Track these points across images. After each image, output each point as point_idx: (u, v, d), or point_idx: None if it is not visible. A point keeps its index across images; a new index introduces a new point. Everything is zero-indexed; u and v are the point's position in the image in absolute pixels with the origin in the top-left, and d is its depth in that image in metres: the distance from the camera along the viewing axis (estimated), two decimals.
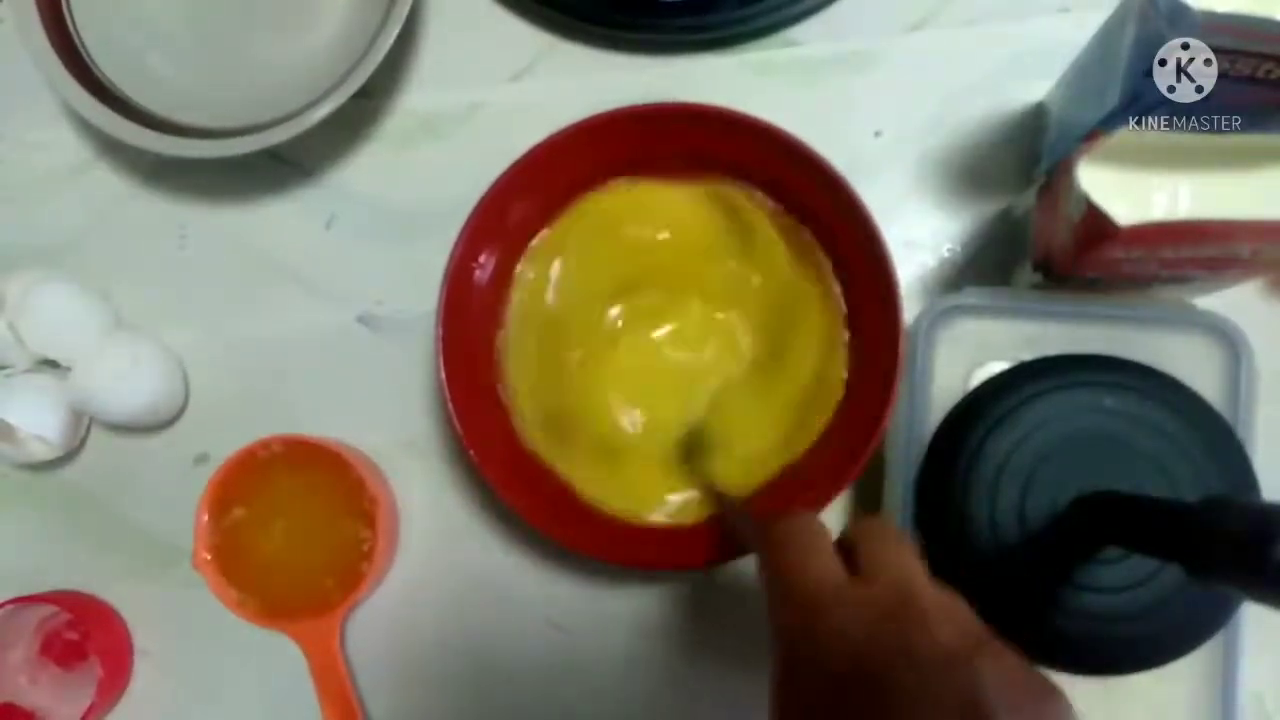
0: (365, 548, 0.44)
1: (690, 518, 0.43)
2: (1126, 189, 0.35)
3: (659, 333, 0.45)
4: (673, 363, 0.45)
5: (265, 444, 0.44)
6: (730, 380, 0.45)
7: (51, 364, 0.46)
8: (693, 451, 0.43)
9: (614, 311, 0.45)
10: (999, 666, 0.26)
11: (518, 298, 0.45)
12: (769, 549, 0.32)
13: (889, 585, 0.29)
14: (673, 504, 0.43)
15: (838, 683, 0.27)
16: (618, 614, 0.46)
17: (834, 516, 0.42)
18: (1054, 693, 0.26)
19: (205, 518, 0.43)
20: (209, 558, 0.43)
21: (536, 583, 0.46)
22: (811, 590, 0.30)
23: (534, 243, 0.45)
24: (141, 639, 0.47)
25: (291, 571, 0.44)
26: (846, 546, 0.31)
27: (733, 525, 0.41)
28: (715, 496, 0.42)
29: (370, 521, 0.43)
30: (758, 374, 0.45)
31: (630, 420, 0.44)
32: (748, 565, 0.46)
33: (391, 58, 0.45)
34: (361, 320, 0.48)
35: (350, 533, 0.44)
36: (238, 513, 0.44)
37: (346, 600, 0.44)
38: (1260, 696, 0.44)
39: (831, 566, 0.30)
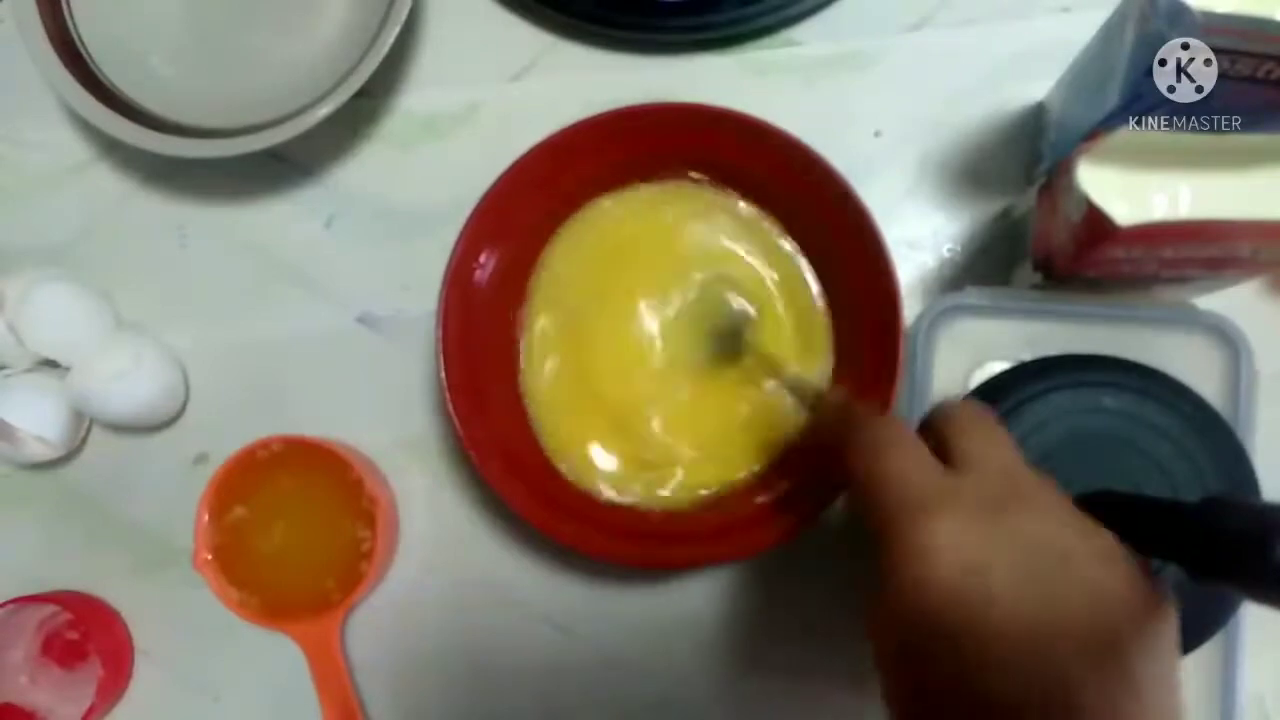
0: (365, 548, 0.44)
1: (699, 490, 0.43)
2: (1126, 189, 0.35)
3: (658, 333, 0.45)
4: (673, 359, 0.45)
5: (265, 444, 0.44)
6: (731, 380, 0.45)
7: (51, 364, 0.46)
8: (735, 336, 0.43)
9: (614, 310, 0.45)
10: (1123, 564, 0.26)
11: (533, 289, 0.45)
12: (861, 455, 0.30)
13: (991, 475, 0.28)
14: (681, 479, 0.44)
15: (953, 591, 0.26)
16: (618, 614, 0.46)
17: (834, 516, 0.41)
18: (1164, 603, 0.26)
19: (205, 518, 0.43)
20: (209, 558, 0.43)
21: (536, 583, 0.46)
22: (915, 491, 0.28)
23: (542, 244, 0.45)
24: (141, 639, 0.47)
25: (291, 571, 0.44)
26: (936, 437, 0.30)
27: (816, 424, 0.39)
28: (793, 386, 0.41)
29: (370, 521, 0.43)
30: (758, 375, 0.44)
31: (639, 409, 0.45)
32: (749, 565, 0.46)
33: (391, 58, 0.45)
34: (361, 320, 0.48)
35: (350, 533, 0.44)
36: (238, 512, 0.44)
37: (346, 600, 0.44)
38: (1260, 696, 0.44)
39: (931, 463, 0.29)
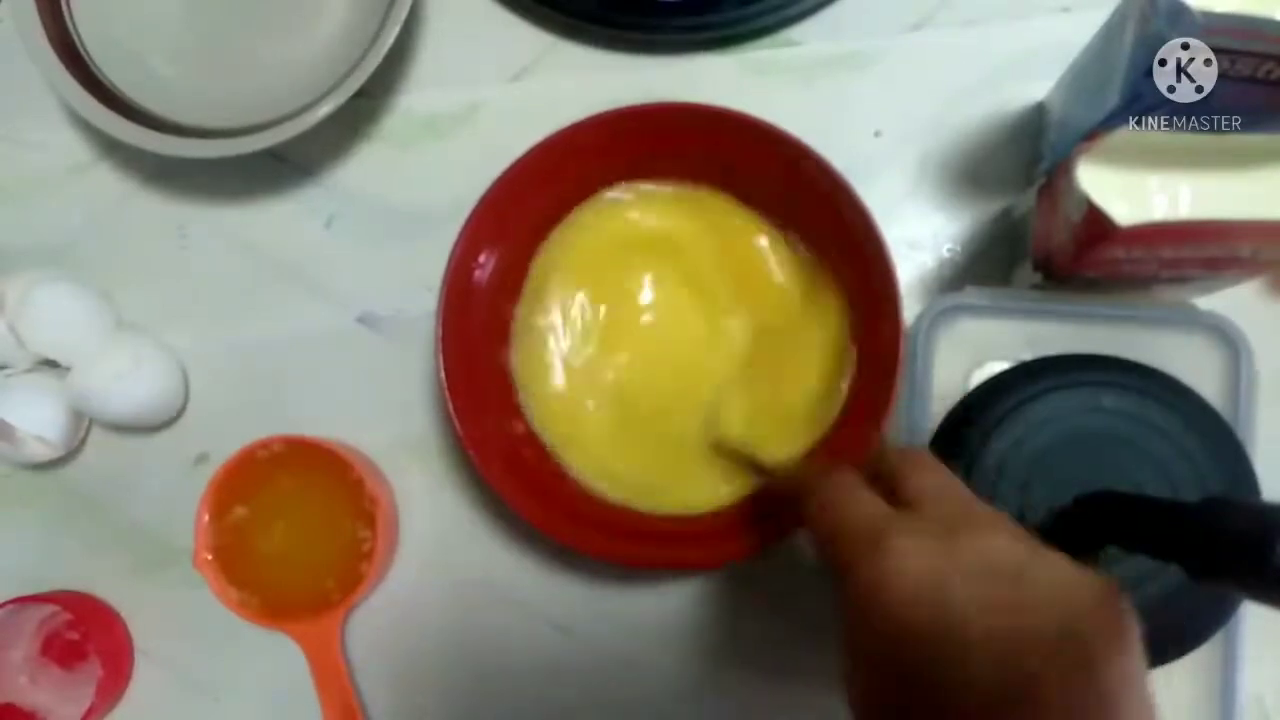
0: (365, 548, 0.44)
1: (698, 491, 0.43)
2: (1126, 189, 0.35)
3: (659, 330, 0.45)
4: (675, 362, 0.45)
5: (265, 444, 0.44)
6: (731, 380, 0.45)
7: (51, 364, 0.46)
8: (714, 425, 0.43)
9: (615, 307, 0.45)
10: (1079, 573, 0.26)
11: (529, 291, 0.45)
12: (815, 498, 0.32)
13: (941, 508, 0.29)
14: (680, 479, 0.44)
15: (914, 599, 0.26)
16: (619, 614, 0.46)
17: None
18: (1125, 611, 0.26)
19: (205, 518, 0.43)
20: (210, 558, 0.43)
21: (536, 583, 0.46)
22: (864, 525, 0.29)
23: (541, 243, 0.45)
24: (141, 639, 0.47)
25: (292, 571, 0.44)
26: (887, 483, 0.31)
27: (775, 487, 0.40)
28: (750, 464, 0.41)
29: (370, 521, 0.43)
30: (759, 375, 0.44)
31: (639, 411, 0.45)
32: (752, 564, 0.46)
33: (391, 58, 0.45)
34: (361, 320, 0.48)
35: (350, 533, 0.44)
36: (238, 512, 0.44)
37: (347, 600, 0.44)
38: (1260, 697, 0.44)
39: (878, 503, 0.30)
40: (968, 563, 0.27)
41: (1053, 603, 0.26)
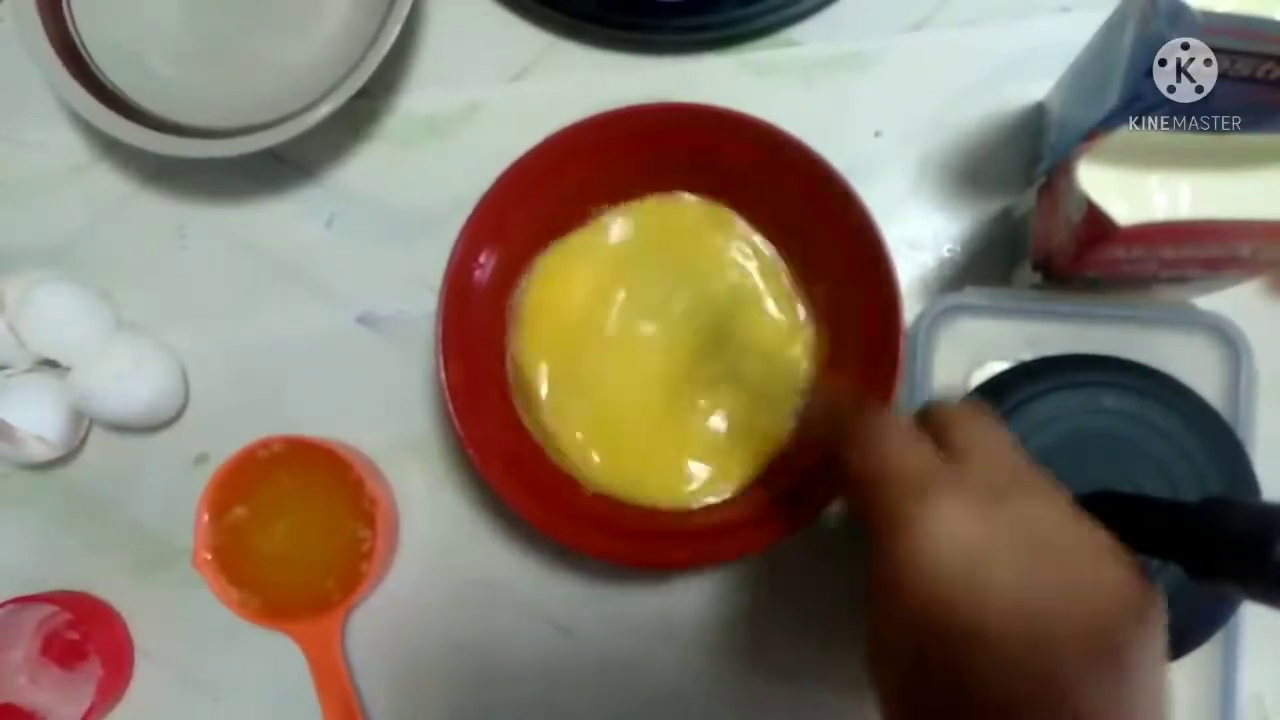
0: (365, 547, 0.44)
1: (697, 491, 0.44)
2: (1126, 189, 0.35)
3: (657, 333, 0.45)
4: (675, 359, 0.45)
5: (265, 444, 0.44)
6: (731, 379, 0.45)
7: (51, 364, 0.46)
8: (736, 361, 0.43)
9: (615, 305, 0.45)
10: (1118, 557, 0.26)
11: (529, 292, 0.45)
12: (857, 441, 0.29)
13: (989, 464, 0.28)
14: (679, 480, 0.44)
15: (951, 577, 0.25)
16: (619, 614, 0.46)
17: (832, 516, 0.41)
18: (1154, 596, 0.26)
19: (205, 518, 0.43)
20: (209, 558, 0.43)
21: (537, 583, 0.46)
22: (914, 476, 0.27)
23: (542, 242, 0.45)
24: (141, 639, 0.47)
25: (292, 571, 0.44)
26: (933, 429, 0.30)
27: (810, 423, 0.39)
28: (781, 400, 0.41)
29: (370, 521, 0.43)
30: (759, 374, 0.44)
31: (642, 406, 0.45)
32: (748, 565, 0.46)
33: (391, 58, 0.45)
34: (361, 320, 0.48)
35: (350, 533, 0.44)
36: (238, 513, 0.44)
37: (347, 600, 0.44)
38: (1260, 696, 0.44)
39: (930, 449, 0.28)
40: (1012, 536, 0.25)
41: (1088, 594, 0.25)
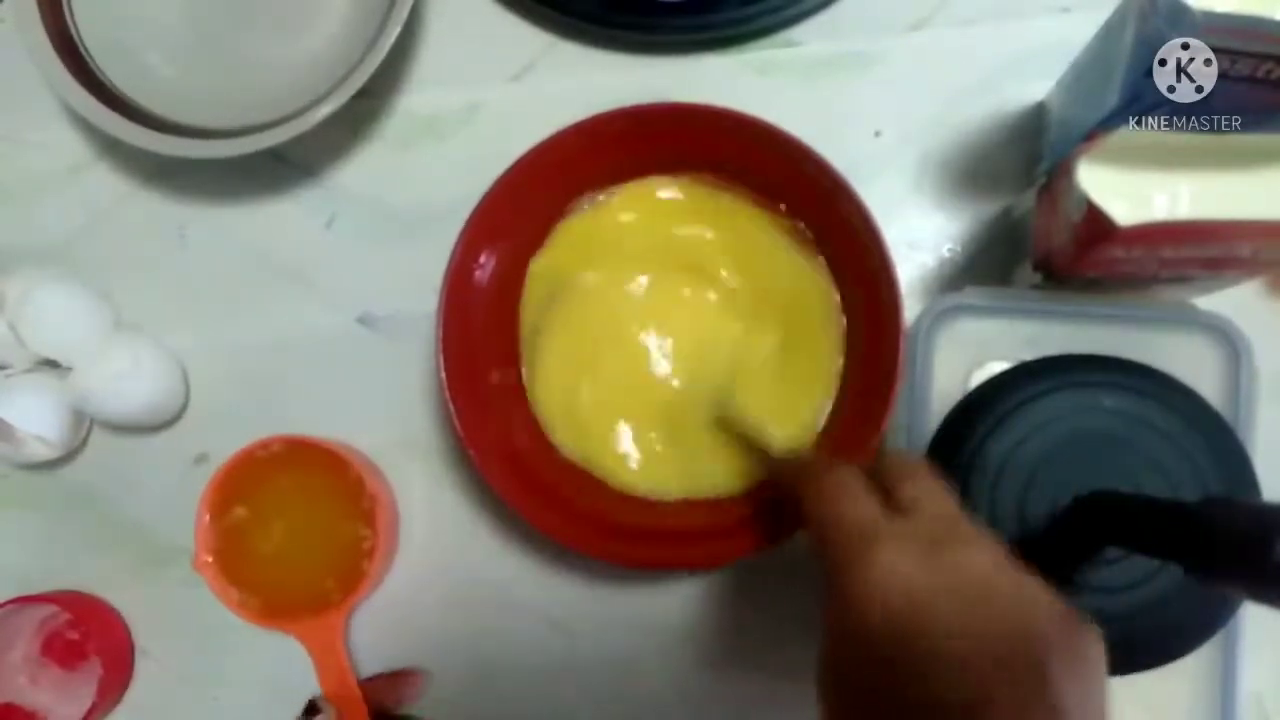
0: (366, 546, 0.44)
1: (697, 491, 0.44)
2: (1126, 189, 0.35)
3: (659, 326, 0.45)
4: (674, 356, 0.45)
5: (265, 444, 0.44)
6: (732, 378, 0.45)
7: (51, 364, 0.47)
8: (724, 407, 0.44)
9: (616, 303, 0.45)
10: (1045, 597, 0.28)
11: (531, 291, 0.45)
12: (813, 494, 0.33)
13: (931, 517, 0.30)
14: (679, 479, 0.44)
15: (892, 614, 0.28)
16: (619, 614, 0.46)
17: None
18: (1088, 630, 0.27)
19: (206, 518, 0.43)
20: (210, 559, 0.43)
21: (537, 583, 0.46)
22: (855, 529, 0.30)
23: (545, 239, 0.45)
24: (141, 639, 0.47)
25: (293, 571, 0.44)
26: (882, 486, 0.32)
27: (777, 476, 0.41)
28: (755, 450, 0.42)
29: (370, 520, 0.43)
30: (758, 373, 0.44)
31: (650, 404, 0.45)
32: (752, 565, 0.46)
33: (391, 58, 0.45)
34: (361, 320, 0.48)
35: (351, 532, 0.44)
36: (238, 512, 0.44)
37: (348, 599, 0.44)
38: (1260, 696, 0.44)
39: (873, 506, 0.31)
40: (948, 579, 0.28)
41: (1017, 628, 0.27)
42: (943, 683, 0.26)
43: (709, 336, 0.45)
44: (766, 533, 0.41)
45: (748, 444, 0.42)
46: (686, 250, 0.45)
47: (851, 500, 0.32)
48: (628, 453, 0.44)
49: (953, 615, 0.27)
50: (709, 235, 0.45)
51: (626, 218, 0.45)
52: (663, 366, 0.45)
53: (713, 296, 0.45)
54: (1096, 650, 0.27)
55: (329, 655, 0.44)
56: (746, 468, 0.43)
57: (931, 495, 0.32)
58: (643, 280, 0.45)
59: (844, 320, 0.44)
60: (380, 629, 0.47)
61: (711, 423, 0.44)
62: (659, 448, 0.44)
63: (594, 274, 0.45)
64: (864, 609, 0.28)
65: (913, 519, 0.30)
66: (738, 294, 0.45)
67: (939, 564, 0.28)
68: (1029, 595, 0.28)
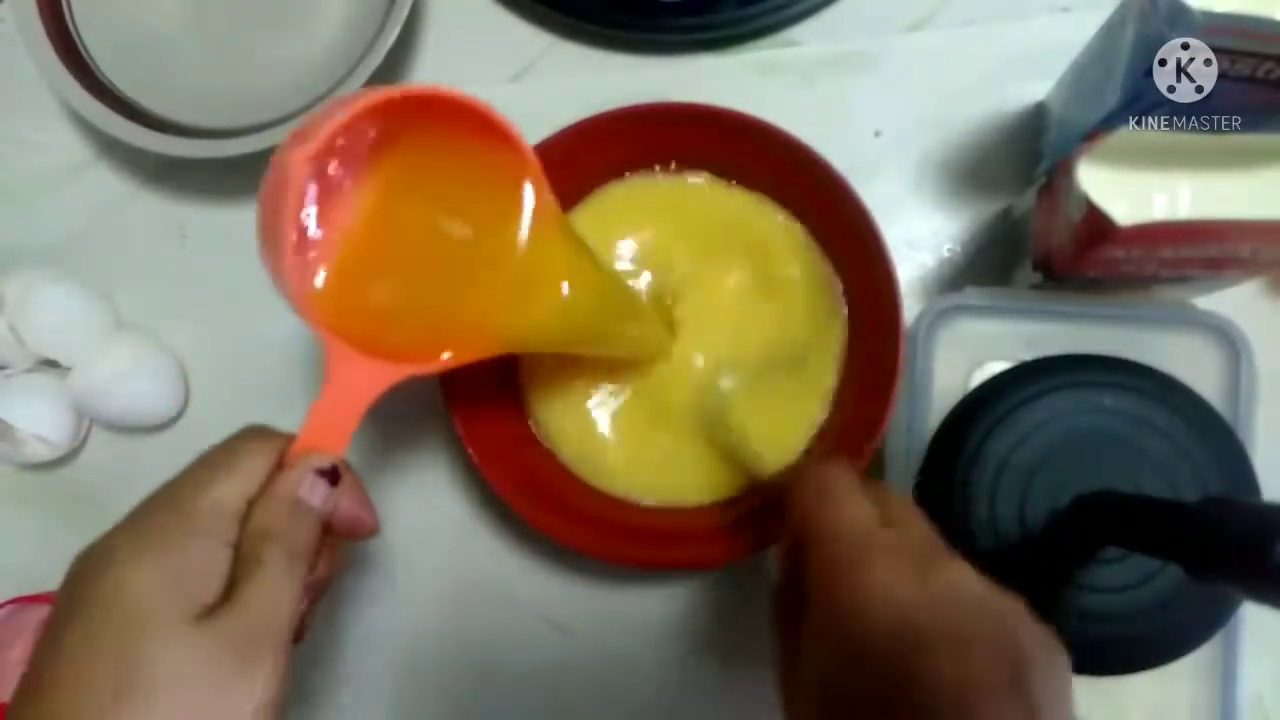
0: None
1: (697, 490, 0.44)
2: (1126, 189, 0.35)
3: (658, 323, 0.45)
4: (672, 353, 0.45)
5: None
6: (732, 377, 0.45)
7: (51, 364, 0.47)
8: (717, 416, 0.43)
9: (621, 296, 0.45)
10: (1029, 618, 0.28)
11: None
12: (807, 493, 0.32)
13: (921, 537, 0.31)
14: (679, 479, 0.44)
15: (887, 626, 0.27)
16: (619, 614, 0.46)
17: None
18: (1061, 649, 0.28)
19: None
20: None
21: (537, 583, 0.46)
22: (848, 535, 0.30)
23: None
24: None
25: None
26: (874, 497, 0.32)
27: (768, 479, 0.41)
28: (744, 455, 0.42)
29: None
30: (758, 372, 0.44)
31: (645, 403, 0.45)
32: (752, 565, 0.46)
33: (391, 58, 0.45)
34: None
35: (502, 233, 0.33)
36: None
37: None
38: (1260, 696, 0.44)
39: (868, 510, 0.31)
40: (940, 596, 0.28)
41: (1006, 648, 0.27)
42: (931, 698, 0.26)
43: (701, 333, 0.45)
44: (767, 532, 0.41)
45: (733, 460, 0.43)
46: (683, 250, 0.45)
47: (845, 501, 0.31)
48: (611, 469, 0.44)
49: (943, 631, 0.27)
50: (706, 235, 0.45)
51: (622, 216, 0.45)
52: (655, 375, 0.45)
53: (707, 298, 0.45)
54: (1068, 668, 0.28)
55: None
56: (742, 470, 0.43)
57: (912, 516, 0.32)
58: (633, 280, 0.45)
59: (846, 317, 0.44)
60: (380, 629, 0.47)
61: (701, 430, 0.44)
62: (657, 449, 0.44)
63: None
64: (858, 619, 0.28)
65: (904, 534, 0.30)
66: (731, 295, 0.45)
67: (931, 579, 0.28)
68: (1016, 616, 0.28)
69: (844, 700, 0.28)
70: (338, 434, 0.33)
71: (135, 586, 0.26)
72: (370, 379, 0.33)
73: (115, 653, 0.26)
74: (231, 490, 0.29)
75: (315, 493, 0.31)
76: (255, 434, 0.32)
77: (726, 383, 0.44)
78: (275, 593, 0.28)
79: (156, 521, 0.28)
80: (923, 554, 0.30)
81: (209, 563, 0.28)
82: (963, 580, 0.29)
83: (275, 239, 0.30)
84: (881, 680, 0.27)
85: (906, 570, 0.29)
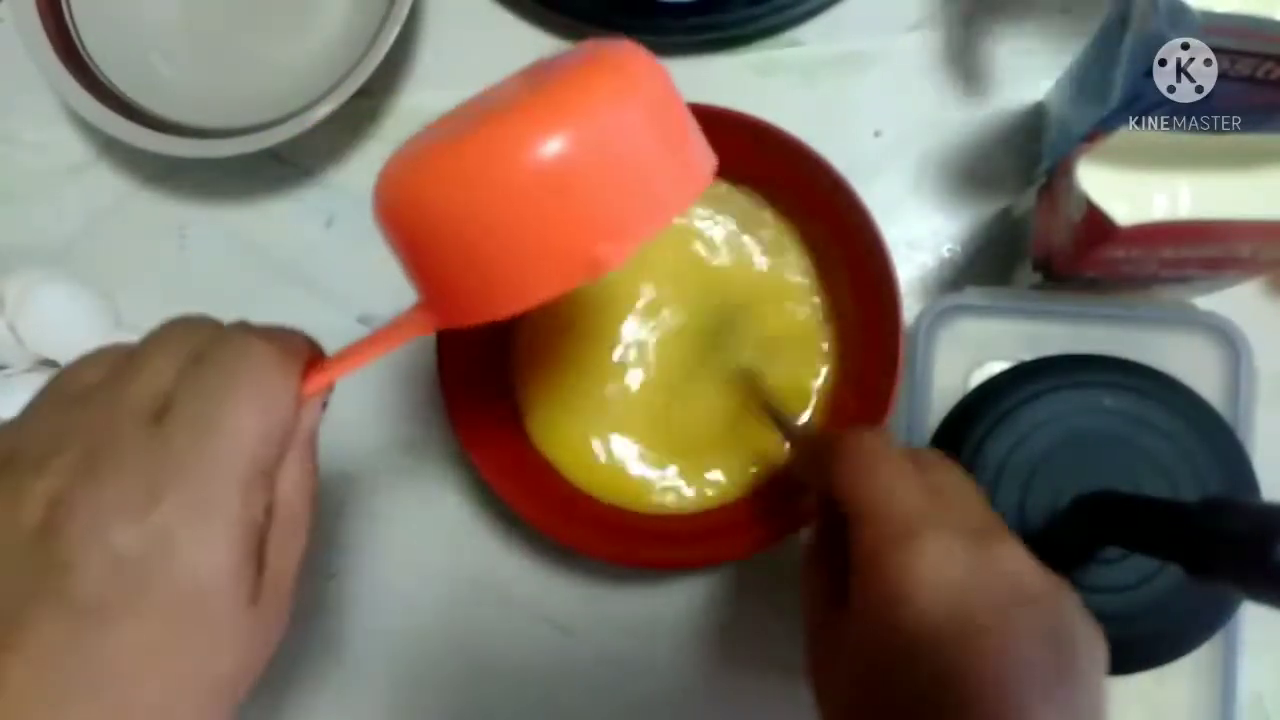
0: None
1: (697, 489, 0.44)
2: (1126, 189, 0.35)
3: (659, 333, 0.45)
4: (674, 361, 0.45)
5: None
6: (732, 376, 0.45)
7: (51, 364, 0.46)
8: (749, 380, 0.43)
9: (616, 300, 0.45)
10: (1077, 601, 0.27)
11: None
12: (849, 467, 0.30)
13: (969, 510, 0.29)
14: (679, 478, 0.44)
15: (939, 609, 0.26)
16: (619, 614, 0.46)
17: None
18: (1102, 638, 0.27)
19: None
20: None
21: (536, 583, 0.46)
22: (900, 511, 0.28)
23: None
24: None
25: None
26: (916, 467, 0.30)
27: (794, 447, 0.39)
28: (776, 419, 0.40)
29: None
30: (758, 372, 0.44)
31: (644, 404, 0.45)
32: (752, 565, 0.46)
33: (391, 58, 0.45)
34: (362, 320, 0.48)
35: None
36: None
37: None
38: (1260, 696, 0.44)
39: (918, 483, 0.29)
40: (992, 576, 0.27)
41: (1057, 631, 0.26)
42: (980, 688, 0.25)
43: (702, 332, 0.45)
44: (767, 532, 0.41)
45: (766, 417, 0.40)
46: (683, 253, 0.45)
47: (895, 472, 0.29)
48: (611, 469, 0.44)
49: (994, 613, 0.26)
50: (707, 238, 0.45)
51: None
52: (655, 375, 0.45)
53: (708, 297, 0.45)
54: (1106, 663, 0.27)
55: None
56: (746, 465, 0.43)
57: (963, 484, 0.30)
58: (635, 278, 0.45)
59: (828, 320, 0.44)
60: (380, 629, 0.47)
61: (708, 425, 0.43)
62: (656, 451, 0.44)
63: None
64: (909, 601, 0.26)
65: (950, 508, 0.29)
66: (731, 294, 0.45)
67: (983, 559, 0.27)
68: (1065, 598, 0.27)
69: (889, 691, 0.27)
70: (357, 363, 0.31)
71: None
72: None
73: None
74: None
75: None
76: (283, 353, 0.28)
77: (721, 390, 0.44)
78: (298, 550, 0.27)
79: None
80: (971, 529, 0.28)
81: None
82: (1011, 557, 0.27)
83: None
84: (930, 669, 0.26)
85: (960, 549, 0.27)
